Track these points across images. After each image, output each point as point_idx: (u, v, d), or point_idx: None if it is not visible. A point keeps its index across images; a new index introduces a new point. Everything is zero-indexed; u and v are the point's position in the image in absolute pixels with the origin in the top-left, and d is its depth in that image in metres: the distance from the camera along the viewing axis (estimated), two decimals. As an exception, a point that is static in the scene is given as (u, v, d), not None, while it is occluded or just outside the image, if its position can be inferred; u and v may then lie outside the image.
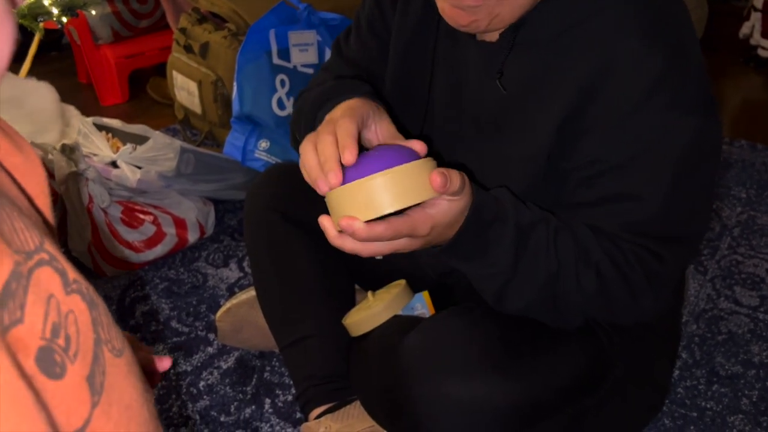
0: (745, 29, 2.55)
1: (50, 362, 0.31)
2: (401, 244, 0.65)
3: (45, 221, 0.40)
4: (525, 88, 0.75)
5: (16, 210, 0.34)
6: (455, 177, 0.63)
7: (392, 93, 0.88)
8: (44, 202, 0.41)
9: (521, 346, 0.78)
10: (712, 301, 1.30)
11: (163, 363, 0.54)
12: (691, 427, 1.03)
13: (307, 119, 0.81)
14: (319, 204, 0.97)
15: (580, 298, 0.72)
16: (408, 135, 0.79)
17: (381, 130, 0.72)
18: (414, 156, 0.65)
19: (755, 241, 1.48)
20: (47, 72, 2.14)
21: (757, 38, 2.52)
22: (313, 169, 0.65)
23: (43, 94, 2.00)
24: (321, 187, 0.64)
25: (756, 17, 2.50)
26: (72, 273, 0.36)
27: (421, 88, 0.85)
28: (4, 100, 1.94)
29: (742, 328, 1.23)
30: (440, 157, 0.82)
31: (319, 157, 0.65)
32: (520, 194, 0.77)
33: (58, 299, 0.33)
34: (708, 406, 1.06)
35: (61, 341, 0.32)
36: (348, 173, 0.63)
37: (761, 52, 2.53)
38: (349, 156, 0.63)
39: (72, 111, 2.05)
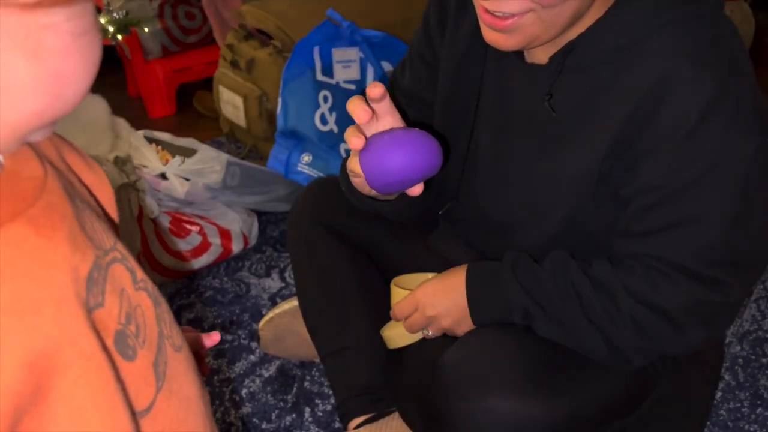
0: (793, 44, 2.50)
1: (124, 345, 0.35)
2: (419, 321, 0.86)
3: (114, 228, 0.44)
4: (575, 110, 0.76)
5: (95, 215, 0.38)
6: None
7: (441, 116, 0.90)
8: (113, 213, 0.45)
9: (563, 363, 0.78)
10: (757, 322, 1.28)
11: (212, 337, 0.57)
12: (734, 450, 1.01)
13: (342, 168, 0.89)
14: (359, 217, 1.00)
15: (626, 333, 0.74)
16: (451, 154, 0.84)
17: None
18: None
19: (802, 262, 1.44)
20: (98, 85, 2.21)
21: (806, 54, 2.46)
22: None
23: (96, 107, 2.07)
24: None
25: (805, 32, 2.44)
26: (140, 272, 0.40)
27: (468, 111, 0.87)
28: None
29: (787, 351, 1.20)
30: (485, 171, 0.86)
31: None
32: (568, 217, 0.78)
33: (128, 293, 0.37)
34: (752, 429, 1.05)
35: (132, 328, 0.36)
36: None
37: (810, 68, 2.47)
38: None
39: (122, 123, 2.12)
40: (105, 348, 0.32)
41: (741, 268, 0.72)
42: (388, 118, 0.74)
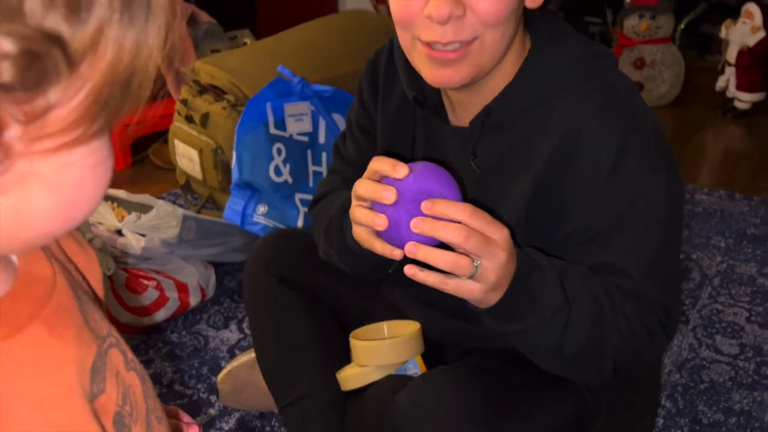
0: (720, 83, 2.67)
1: (122, 424, 0.39)
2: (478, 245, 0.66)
3: (101, 307, 0.48)
4: (497, 166, 0.83)
5: (92, 303, 0.42)
6: None
7: None
8: (100, 293, 0.49)
9: (507, 405, 0.83)
10: (694, 350, 1.35)
11: (191, 429, 0.59)
12: (676, 476, 1.07)
13: (329, 232, 0.89)
14: (313, 268, 1.04)
15: (617, 340, 0.77)
16: None
17: None
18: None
19: (734, 290, 1.54)
20: None
21: (732, 91, 2.63)
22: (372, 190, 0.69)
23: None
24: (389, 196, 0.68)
25: (730, 71, 2.62)
26: (130, 354, 0.44)
27: None
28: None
29: (723, 377, 1.28)
30: None
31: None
32: None
33: (122, 374, 0.41)
34: (691, 454, 1.11)
35: (127, 408, 0.40)
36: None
37: (738, 104, 2.64)
38: (401, 168, 0.68)
39: None
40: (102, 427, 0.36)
41: (669, 289, 0.79)
42: None
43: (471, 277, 0.67)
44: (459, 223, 0.66)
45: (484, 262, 0.67)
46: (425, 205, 0.66)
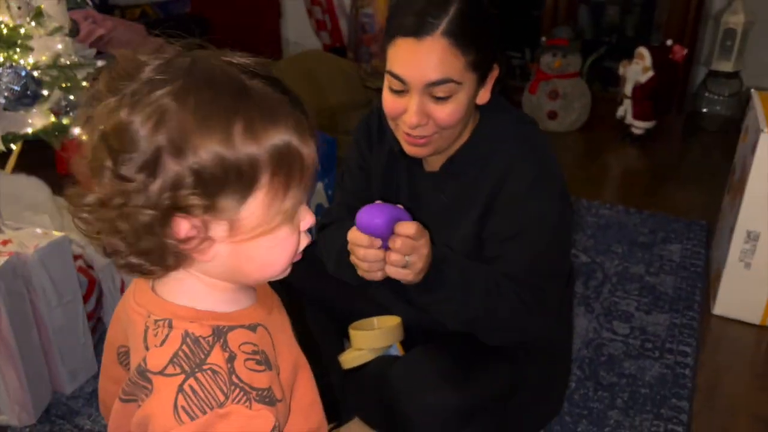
0: (620, 112, 3.17)
1: (301, 359, 0.72)
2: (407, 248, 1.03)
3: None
4: (459, 197, 1.21)
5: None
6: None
7: None
8: None
9: (467, 370, 1.20)
10: (597, 332, 1.77)
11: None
12: (584, 421, 1.47)
13: (336, 258, 1.24)
14: (318, 279, 1.38)
15: (504, 312, 1.13)
16: None
17: None
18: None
19: (628, 286, 1.98)
20: (28, 165, 2.37)
21: (629, 119, 3.14)
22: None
23: (36, 187, 2.27)
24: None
25: (627, 102, 3.12)
26: None
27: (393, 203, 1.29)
28: (2, 196, 2.20)
29: (617, 351, 1.70)
30: None
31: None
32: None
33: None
34: (594, 406, 1.52)
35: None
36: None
37: (634, 130, 3.14)
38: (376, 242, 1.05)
39: (63, 203, 2.33)
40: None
41: (548, 280, 1.16)
42: None
43: (404, 266, 1.04)
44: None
45: (412, 258, 1.04)
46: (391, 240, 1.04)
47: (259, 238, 0.58)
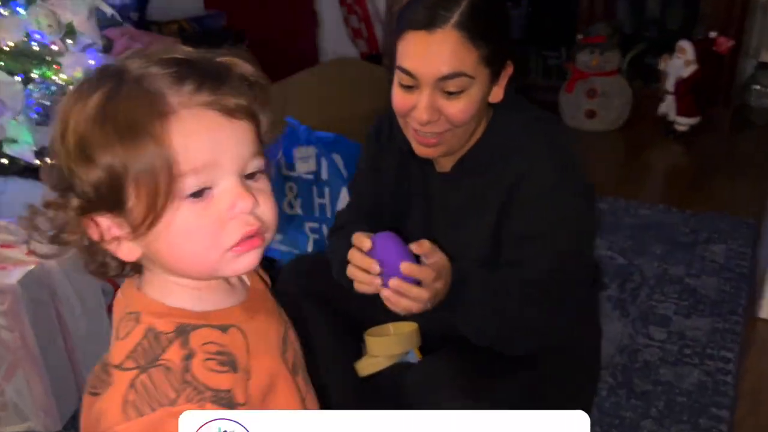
0: (662, 108, 3.05)
1: (295, 371, 0.70)
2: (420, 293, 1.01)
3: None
4: (472, 197, 1.16)
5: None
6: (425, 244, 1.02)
7: (390, 207, 1.28)
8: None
9: (485, 377, 1.15)
10: (632, 338, 1.70)
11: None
12: (614, 431, 1.41)
13: (338, 267, 1.20)
14: (333, 285, 1.36)
15: (528, 322, 1.08)
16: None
17: None
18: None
19: (666, 289, 1.89)
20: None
21: (672, 116, 3.02)
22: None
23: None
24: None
25: (670, 99, 3.00)
26: (294, 333, 0.74)
27: (405, 204, 1.26)
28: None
29: (653, 357, 1.62)
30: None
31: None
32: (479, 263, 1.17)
33: (294, 344, 0.71)
34: (627, 415, 1.45)
35: (296, 362, 0.71)
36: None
37: (678, 127, 3.02)
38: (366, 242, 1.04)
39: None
40: (290, 371, 0.66)
41: (569, 286, 1.11)
42: None
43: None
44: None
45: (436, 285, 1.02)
46: (404, 267, 1.01)
47: (161, 223, 0.55)
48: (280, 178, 1.90)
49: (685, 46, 2.90)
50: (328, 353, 1.36)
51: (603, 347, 1.59)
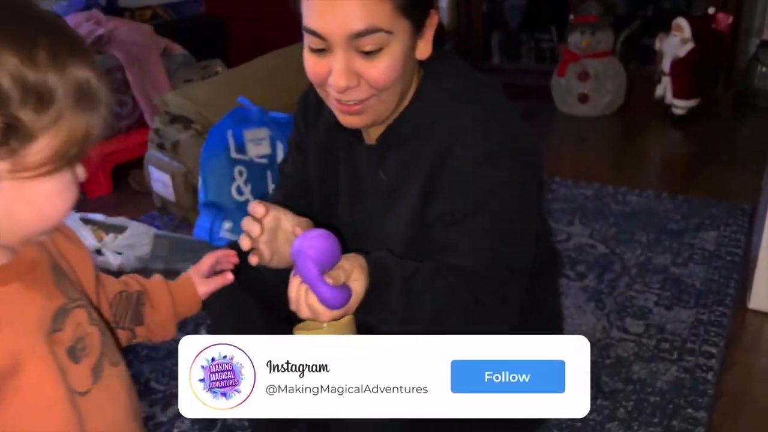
0: (658, 91, 2.88)
1: (74, 354, 0.60)
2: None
3: (93, 287, 0.69)
4: (398, 173, 1.02)
5: (70, 281, 0.64)
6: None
7: (316, 190, 1.15)
8: (89, 278, 0.69)
9: None
10: (606, 331, 1.54)
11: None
12: (575, 435, 1.25)
13: None
14: (269, 275, 1.23)
15: (456, 317, 0.94)
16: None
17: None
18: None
19: (648, 278, 1.73)
20: None
21: (669, 98, 2.84)
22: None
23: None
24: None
25: (666, 80, 2.83)
26: (95, 315, 0.64)
27: (333, 185, 1.12)
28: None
29: (627, 352, 1.46)
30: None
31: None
32: (406, 248, 1.03)
33: (83, 325, 0.61)
34: (591, 417, 1.29)
35: (80, 345, 0.60)
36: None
37: (675, 111, 2.85)
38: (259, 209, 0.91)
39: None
40: (54, 353, 0.56)
41: (508, 272, 0.96)
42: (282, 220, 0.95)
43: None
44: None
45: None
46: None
47: (44, 178, 0.54)
48: (228, 161, 1.77)
49: (682, 23, 2.72)
50: (254, 325, 1.23)
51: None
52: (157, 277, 0.90)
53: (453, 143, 0.96)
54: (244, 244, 0.93)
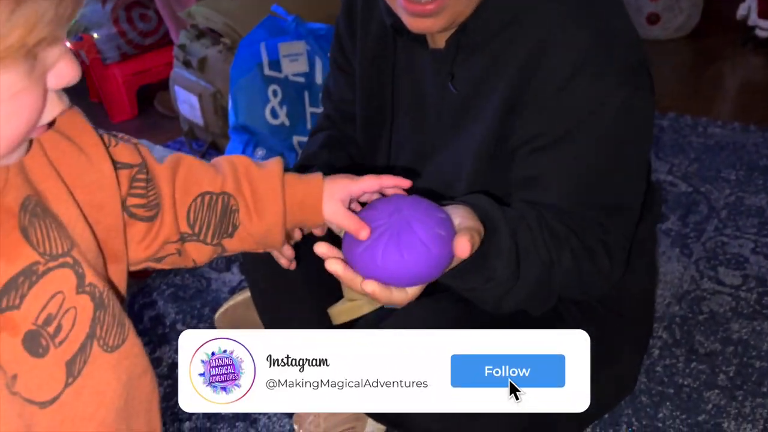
0: (741, 10, 2.56)
1: (35, 343, 0.39)
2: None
3: (96, 236, 0.47)
4: (474, 85, 0.81)
5: (55, 223, 0.42)
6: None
7: (363, 112, 0.95)
8: (111, 210, 0.49)
9: (467, 323, 0.83)
10: (696, 282, 1.33)
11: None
12: (667, 404, 1.07)
13: None
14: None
15: (561, 277, 0.76)
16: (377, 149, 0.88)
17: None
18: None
19: (741, 222, 1.50)
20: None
21: (754, 19, 2.52)
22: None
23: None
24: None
25: (752, -2, 2.50)
26: (91, 278, 0.44)
27: (386, 104, 0.92)
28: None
29: (723, 307, 1.26)
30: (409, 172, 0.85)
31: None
32: (472, 184, 0.82)
33: (65, 296, 0.41)
34: (685, 383, 1.10)
35: (50, 329, 0.40)
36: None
37: (759, 33, 2.52)
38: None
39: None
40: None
41: (612, 213, 0.77)
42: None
43: None
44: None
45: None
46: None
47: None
48: (261, 79, 1.56)
49: (777, -71, 2.37)
50: (296, 296, 1.06)
51: (657, 294, 1.24)
52: (271, 166, 0.63)
53: (546, 45, 0.75)
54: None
